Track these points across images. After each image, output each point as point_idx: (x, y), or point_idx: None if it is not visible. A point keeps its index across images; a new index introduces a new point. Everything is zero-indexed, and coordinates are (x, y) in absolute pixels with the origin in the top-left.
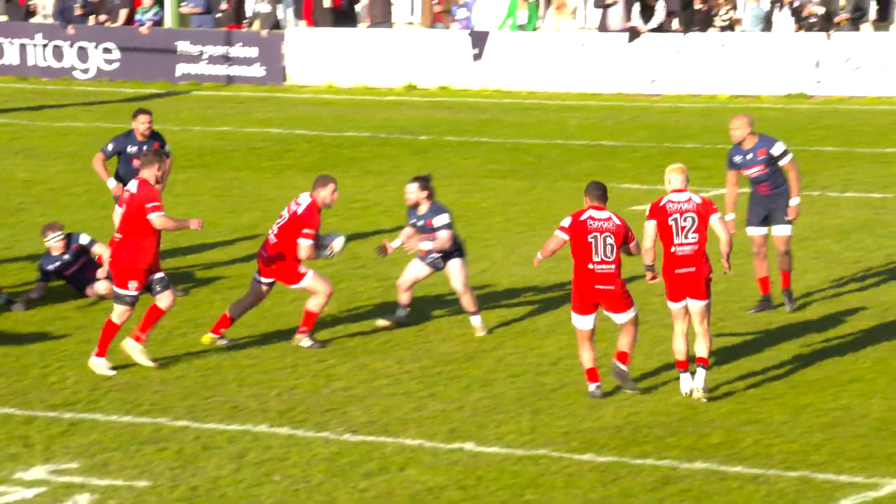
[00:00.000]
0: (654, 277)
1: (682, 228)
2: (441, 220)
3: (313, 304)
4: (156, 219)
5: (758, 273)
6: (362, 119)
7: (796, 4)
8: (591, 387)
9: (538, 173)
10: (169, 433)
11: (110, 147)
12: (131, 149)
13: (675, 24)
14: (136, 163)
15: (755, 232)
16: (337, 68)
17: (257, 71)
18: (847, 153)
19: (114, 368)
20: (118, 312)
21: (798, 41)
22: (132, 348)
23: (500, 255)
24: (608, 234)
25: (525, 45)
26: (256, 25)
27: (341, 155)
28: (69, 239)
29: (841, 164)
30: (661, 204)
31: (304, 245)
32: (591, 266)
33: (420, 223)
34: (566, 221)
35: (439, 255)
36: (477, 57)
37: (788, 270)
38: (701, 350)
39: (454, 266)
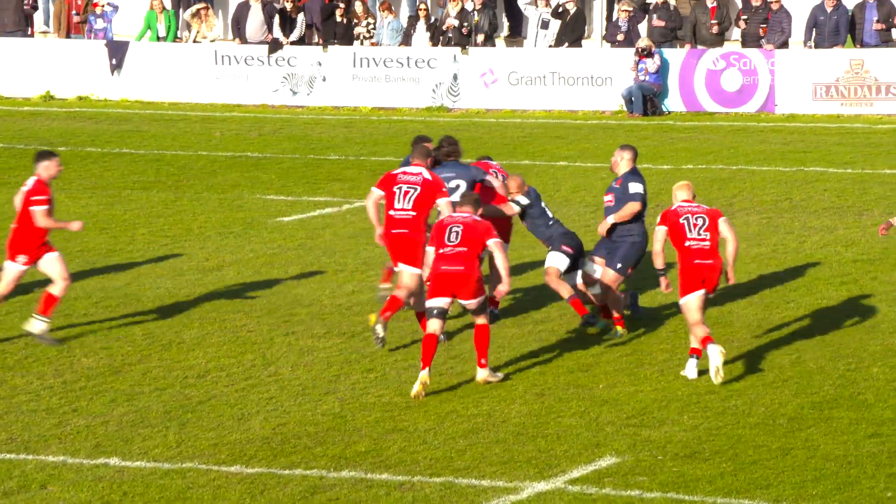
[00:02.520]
0: (668, 285)
1: (695, 226)
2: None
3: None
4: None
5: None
6: None
7: (432, 19)
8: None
9: (183, 185)
10: None
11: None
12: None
13: (316, 36)
14: None
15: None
16: None
17: None
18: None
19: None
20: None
21: (436, 55)
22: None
23: (145, 267)
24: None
25: (166, 55)
26: None
27: None
28: None
29: None
30: (673, 208)
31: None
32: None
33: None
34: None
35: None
36: (116, 67)
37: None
38: (695, 341)
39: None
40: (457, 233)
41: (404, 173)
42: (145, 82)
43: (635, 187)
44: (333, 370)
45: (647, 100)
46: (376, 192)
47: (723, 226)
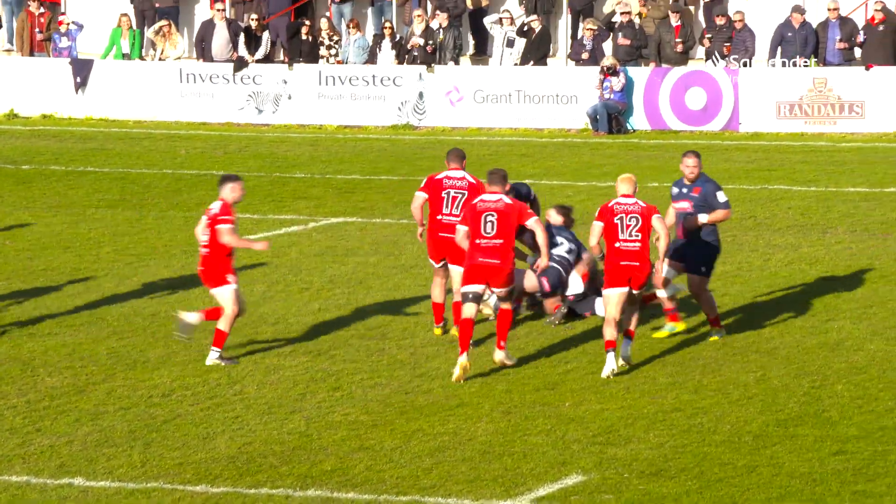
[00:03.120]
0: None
1: (627, 227)
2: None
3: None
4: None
5: None
6: None
7: (398, 38)
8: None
9: (147, 203)
10: None
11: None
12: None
13: (282, 54)
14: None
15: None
16: None
17: None
18: None
19: None
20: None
21: (402, 73)
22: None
23: (110, 285)
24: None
25: (130, 73)
26: None
27: None
28: None
29: None
30: (610, 205)
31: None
32: (617, 244)
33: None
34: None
35: None
36: (80, 85)
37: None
38: (632, 325)
39: None
40: (492, 223)
41: (448, 178)
42: (110, 100)
43: (723, 196)
44: (299, 389)
45: (612, 118)
46: (421, 196)
47: (656, 222)
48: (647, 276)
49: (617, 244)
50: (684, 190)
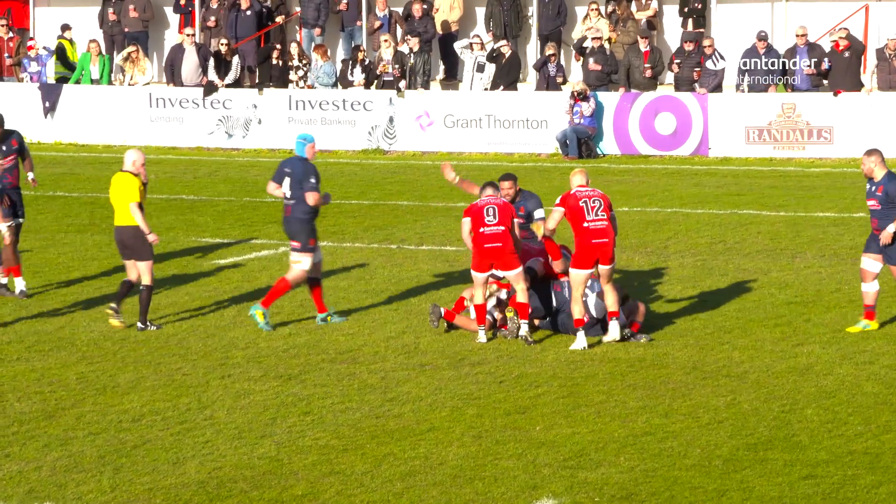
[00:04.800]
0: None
1: (593, 208)
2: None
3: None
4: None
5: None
6: None
7: (367, 62)
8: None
9: None
10: None
11: None
12: None
13: (248, 80)
14: None
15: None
16: None
17: None
18: (422, 207)
19: None
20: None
21: (372, 98)
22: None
23: (79, 311)
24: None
25: (100, 98)
26: None
27: None
28: None
29: (416, 219)
30: (571, 192)
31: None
32: (586, 224)
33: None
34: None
35: None
36: (49, 110)
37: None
38: (612, 305)
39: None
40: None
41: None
42: (79, 125)
43: None
44: (270, 413)
45: (582, 142)
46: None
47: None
48: (613, 249)
49: (585, 224)
50: (872, 188)
